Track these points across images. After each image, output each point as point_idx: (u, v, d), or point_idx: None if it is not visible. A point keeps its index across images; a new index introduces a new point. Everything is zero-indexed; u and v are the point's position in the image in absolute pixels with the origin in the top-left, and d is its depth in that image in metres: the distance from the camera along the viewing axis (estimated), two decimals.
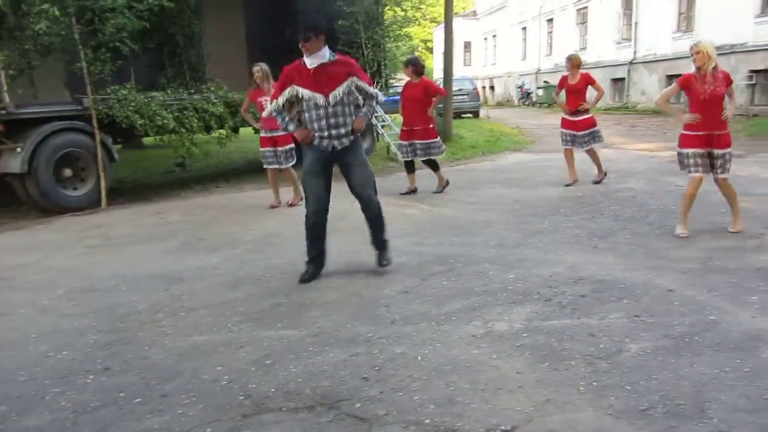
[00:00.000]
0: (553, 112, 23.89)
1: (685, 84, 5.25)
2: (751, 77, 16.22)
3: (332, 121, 4.45)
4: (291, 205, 7.69)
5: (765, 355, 3.10)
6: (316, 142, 4.52)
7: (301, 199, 7.30)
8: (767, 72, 16.28)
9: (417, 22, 21.50)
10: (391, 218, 5.30)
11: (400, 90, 9.06)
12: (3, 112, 7.59)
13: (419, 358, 3.27)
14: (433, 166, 8.30)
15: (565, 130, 8.09)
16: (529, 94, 31.19)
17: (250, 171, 11.01)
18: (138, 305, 4.34)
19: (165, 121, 8.85)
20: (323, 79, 4.40)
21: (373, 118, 4.72)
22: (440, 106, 11.01)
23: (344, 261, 5.08)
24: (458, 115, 20.29)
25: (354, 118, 4.55)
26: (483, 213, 6.78)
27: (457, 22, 18.00)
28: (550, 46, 30.68)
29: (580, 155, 8.23)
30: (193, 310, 4.19)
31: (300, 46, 4.37)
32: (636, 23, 22.81)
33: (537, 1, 31.15)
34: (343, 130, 4.49)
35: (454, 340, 3.46)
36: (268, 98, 7.28)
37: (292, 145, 7.53)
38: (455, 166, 10.75)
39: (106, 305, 4.38)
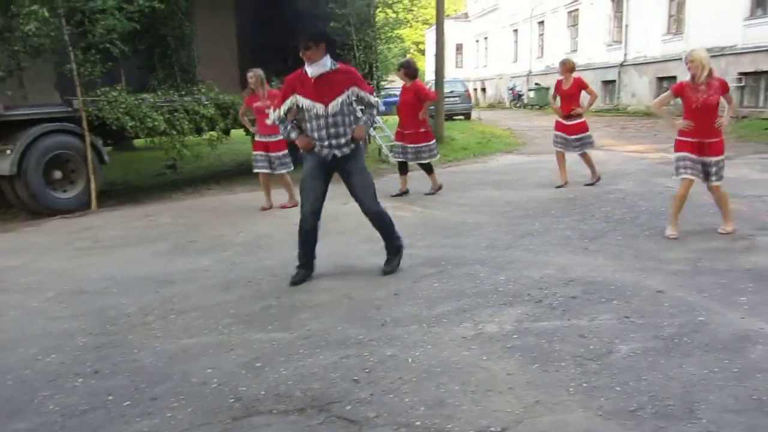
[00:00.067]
0: (544, 114, 24.00)
1: (679, 92, 5.32)
2: (740, 79, 16.32)
3: (332, 130, 4.47)
4: (283, 208, 7.68)
5: (753, 356, 3.12)
6: (316, 149, 4.55)
7: (295, 204, 7.32)
8: (756, 74, 16.39)
9: (409, 24, 21.43)
10: None
11: (392, 92, 9.08)
12: None
13: (410, 360, 3.27)
14: (427, 168, 8.32)
15: (557, 132, 8.15)
16: (520, 96, 31.27)
17: (241, 173, 10.97)
18: (128, 308, 4.32)
19: (156, 123, 8.82)
20: (325, 88, 4.43)
21: (356, 113, 4.72)
22: (432, 108, 11.02)
23: (335, 263, 5.08)
24: (450, 117, 20.30)
25: (354, 127, 4.57)
26: (474, 215, 6.79)
27: (448, 24, 18.05)
28: (542, 48, 30.77)
29: (571, 157, 8.27)
30: (184, 313, 4.17)
31: (300, 54, 4.38)
32: (626, 26, 22.91)
33: (528, 3, 31.26)
34: (343, 140, 4.51)
35: (445, 342, 3.47)
36: (262, 103, 7.37)
37: (286, 152, 7.59)
38: (447, 168, 10.76)
39: (96, 308, 4.36)
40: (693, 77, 5.19)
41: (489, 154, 12.83)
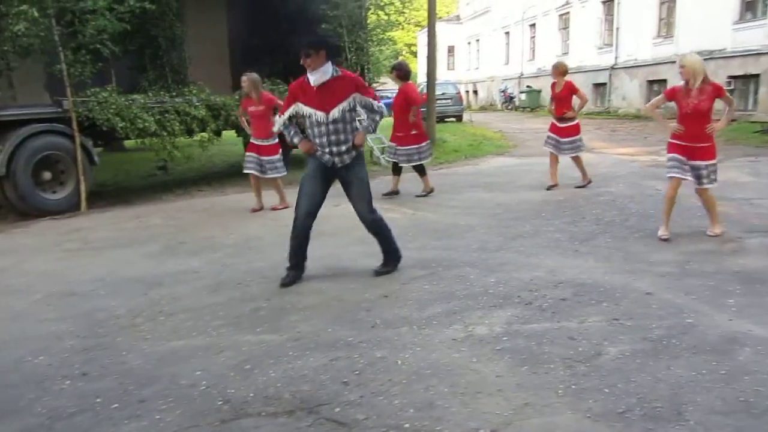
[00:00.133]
0: (535, 116, 24.10)
1: (672, 96, 5.38)
2: (729, 83, 16.43)
3: (333, 137, 4.49)
4: (274, 210, 7.66)
5: (741, 358, 3.14)
6: (318, 154, 4.57)
7: (287, 206, 7.30)
8: (745, 77, 16.52)
9: (401, 27, 21.45)
10: None
11: (383, 94, 9.07)
12: None
13: (399, 362, 3.27)
14: (420, 170, 8.34)
15: (550, 133, 8.26)
16: (512, 98, 31.38)
17: (232, 174, 10.95)
18: (117, 310, 4.29)
19: (146, 124, 8.78)
20: (326, 96, 4.43)
21: (357, 122, 4.73)
22: (423, 110, 11.00)
23: (326, 265, 5.07)
24: (442, 119, 20.36)
25: (356, 133, 4.58)
26: (465, 217, 6.80)
27: (440, 27, 18.07)
28: (533, 50, 30.90)
29: (564, 160, 8.31)
30: (173, 315, 4.15)
31: (301, 62, 4.38)
32: (617, 29, 23.04)
33: (520, 6, 31.38)
34: (344, 147, 4.52)
35: (435, 344, 3.47)
36: (255, 108, 7.42)
37: (278, 157, 7.61)
38: (438, 170, 10.78)
39: (85, 310, 4.33)
40: (686, 82, 5.23)
41: (480, 156, 12.87)
